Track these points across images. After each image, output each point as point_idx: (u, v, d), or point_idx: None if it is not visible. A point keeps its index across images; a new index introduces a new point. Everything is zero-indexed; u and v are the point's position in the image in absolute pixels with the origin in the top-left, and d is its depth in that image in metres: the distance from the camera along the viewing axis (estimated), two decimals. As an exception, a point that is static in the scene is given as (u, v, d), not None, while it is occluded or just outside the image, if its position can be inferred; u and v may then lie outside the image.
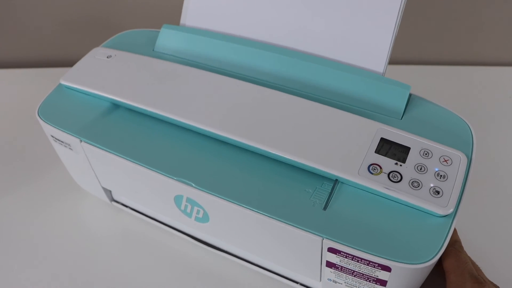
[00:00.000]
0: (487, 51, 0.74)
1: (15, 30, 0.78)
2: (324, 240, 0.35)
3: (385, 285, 0.36)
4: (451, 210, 0.35)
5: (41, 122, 0.46)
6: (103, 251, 0.50)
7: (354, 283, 0.37)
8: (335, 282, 0.39)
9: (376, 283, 0.36)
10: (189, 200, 0.41)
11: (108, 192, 0.51)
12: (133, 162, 0.41)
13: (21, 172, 0.60)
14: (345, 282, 0.38)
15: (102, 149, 0.42)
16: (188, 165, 0.40)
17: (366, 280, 0.36)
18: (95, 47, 0.52)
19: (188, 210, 0.42)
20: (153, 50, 0.52)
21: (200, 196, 0.39)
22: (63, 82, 0.48)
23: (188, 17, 0.52)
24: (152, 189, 0.43)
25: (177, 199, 0.42)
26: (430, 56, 0.75)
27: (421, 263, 0.33)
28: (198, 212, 0.41)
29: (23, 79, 0.77)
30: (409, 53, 0.75)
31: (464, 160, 0.37)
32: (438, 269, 0.39)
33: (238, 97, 0.43)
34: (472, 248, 0.43)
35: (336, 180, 0.38)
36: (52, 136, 0.47)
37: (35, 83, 0.76)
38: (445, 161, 0.37)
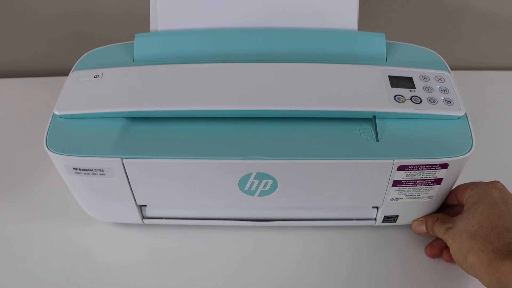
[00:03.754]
0: (468, 56, 0.77)
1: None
2: (395, 161, 0.42)
3: (440, 183, 0.44)
4: (465, 110, 0.45)
5: (57, 156, 0.43)
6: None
7: (414, 192, 0.45)
8: (397, 199, 0.46)
9: (433, 184, 0.44)
10: (258, 175, 0.43)
11: (140, 211, 0.50)
12: (198, 159, 0.42)
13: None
14: (406, 196, 0.46)
15: (156, 158, 0.42)
16: (246, 145, 0.43)
17: (425, 185, 0.44)
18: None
19: (254, 187, 0.45)
20: (133, 61, 0.51)
21: (272, 166, 0.42)
22: (59, 113, 0.45)
23: (159, 22, 0.53)
24: (212, 181, 0.44)
25: (242, 180, 0.44)
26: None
27: (468, 152, 0.42)
28: (265, 185, 0.44)
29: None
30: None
31: (450, 75, 0.48)
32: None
33: (249, 76, 0.46)
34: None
35: (374, 116, 0.45)
36: (74, 169, 0.44)
37: (15, 93, 0.72)
38: (440, 79, 0.48)
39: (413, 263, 0.49)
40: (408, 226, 0.51)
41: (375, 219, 0.50)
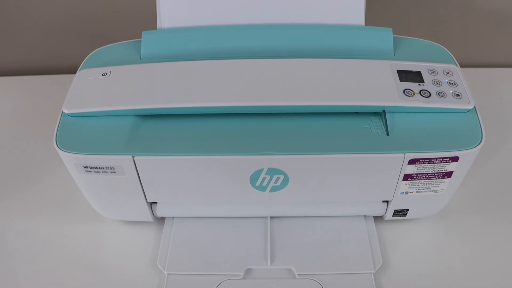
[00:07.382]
0: (476, 53, 0.77)
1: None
2: (406, 154, 0.42)
3: (450, 176, 0.45)
4: (473, 104, 0.45)
5: (67, 155, 0.43)
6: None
7: (425, 186, 0.46)
8: (407, 193, 0.46)
9: (444, 177, 0.45)
10: (270, 171, 0.43)
11: (150, 208, 0.50)
12: (209, 155, 0.42)
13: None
14: (416, 189, 0.46)
15: (167, 155, 0.42)
16: (257, 140, 0.43)
17: (436, 178, 0.45)
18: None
19: (265, 183, 0.45)
20: (140, 58, 0.51)
21: (284, 161, 0.42)
22: (68, 111, 0.45)
23: (166, 19, 0.53)
24: (224, 177, 0.44)
25: (254, 176, 0.44)
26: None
27: (478, 145, 0.42)
28: (276, 180, 0.44)
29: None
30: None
31: (458, 68, 0.48)
32: None
33: (258, 72, 0.46)
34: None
35: (384, 110, 0.45)
36: (84, 167, 0.44)
37: (21, 91, 0.72)
38: (448, 73, 0.48)
39: (422, 257, 0.49)
40: (419, 220, 0.51)
41: (385, 213, 0.50)
